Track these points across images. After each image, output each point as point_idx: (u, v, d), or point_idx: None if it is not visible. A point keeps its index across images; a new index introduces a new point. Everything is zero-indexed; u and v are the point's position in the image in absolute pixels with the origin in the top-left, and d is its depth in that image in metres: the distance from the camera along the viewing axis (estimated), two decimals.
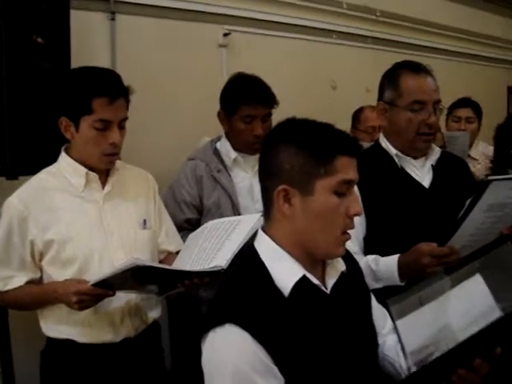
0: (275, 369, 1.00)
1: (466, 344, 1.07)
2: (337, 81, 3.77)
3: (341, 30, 3.79)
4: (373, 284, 1.55)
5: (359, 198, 1.14)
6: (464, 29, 4.99)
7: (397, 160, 1.71)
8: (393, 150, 1.72)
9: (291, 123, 1.14)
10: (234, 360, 1.00)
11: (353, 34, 3.89)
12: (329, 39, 3.74)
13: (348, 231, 1.13)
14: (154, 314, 1.73)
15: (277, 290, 1.07)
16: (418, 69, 1.70)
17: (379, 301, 1.36)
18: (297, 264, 1.10)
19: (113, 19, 2.58)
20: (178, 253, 1.73)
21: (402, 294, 1.36)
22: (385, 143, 1.75)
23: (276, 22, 3.38)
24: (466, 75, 5.01)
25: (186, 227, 1.97)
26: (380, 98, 1.76)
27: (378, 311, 1.33)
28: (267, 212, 1.14)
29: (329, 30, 3.72)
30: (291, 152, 1.08)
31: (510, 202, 1.44)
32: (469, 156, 2.88)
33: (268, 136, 1.18)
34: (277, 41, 3.41)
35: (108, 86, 1.54)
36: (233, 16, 3.15)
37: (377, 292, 1.43)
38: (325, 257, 1.16)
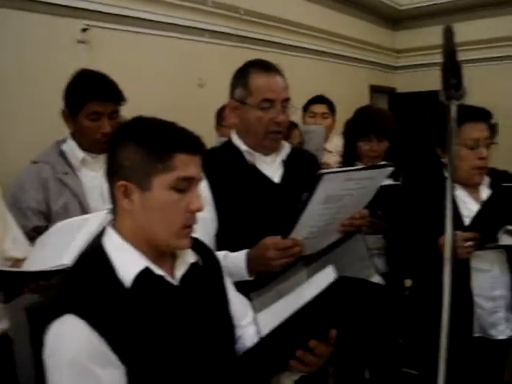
0: (115, 358, 1.01)
1: (296, 315, 1.12)
2: (204, 79, 3.79)
3: (206, 27, 3.82)
4: None
5: (201, 194, 1.16)
6: (327, 30, 5.27)
7: (247, 156, 1.73)
8: (243, 147, 1.74)
9: (134, 122, 1.16)
10: (70, 350, 1.00)
11: (218, 32, 3.92)
12: (195, 37, 3.75)
13: (194, 227, 1.16)
14: (1, 325, 1.63)
15: (119, 282, 1.09)
16: (267, 67, 1.71)
17: (244, 292, 1.38)
18: (141, 256, 1.12)
19: None
20: None
21: (264, 288, 1.40)
22: (236, 140, 1.77)
23: (141, 19, 3.33)
24: (329, 73, 5.31)
25: (34, 236, 1.81)
26: (232, 95, 1.76)
27: (238, 303, 1.36)
28: (114, 208, 1.17)
29: (194, 28, 3.73)
30: (131, 149, 1.10)
31: (346, 193, 1.51)
32: (325, 149, 3.02)
33: (112, 134, 1.19)
34: (142, 38, 3.36)
35: None
36: (93, 11, 3.03)
37: (241, 284, 1.45)
38: (168, 249, 1.18)
